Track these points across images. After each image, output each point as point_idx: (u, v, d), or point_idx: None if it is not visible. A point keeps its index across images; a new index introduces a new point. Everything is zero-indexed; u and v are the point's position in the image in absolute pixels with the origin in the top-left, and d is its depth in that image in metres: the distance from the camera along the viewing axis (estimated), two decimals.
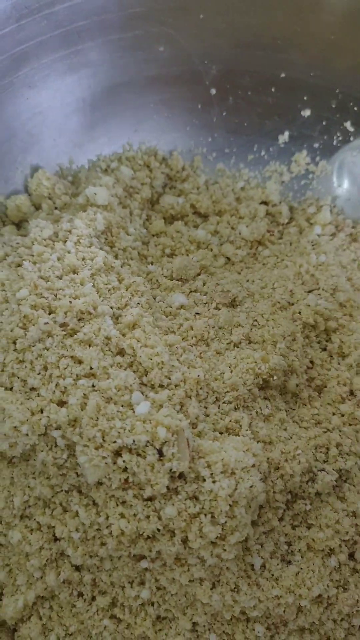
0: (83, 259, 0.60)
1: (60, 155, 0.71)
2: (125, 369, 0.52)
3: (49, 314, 0.54)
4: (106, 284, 0.59)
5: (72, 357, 0.52)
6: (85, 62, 0.67)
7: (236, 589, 0.50)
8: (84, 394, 0.50)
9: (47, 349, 0.52)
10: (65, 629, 0.52)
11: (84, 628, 0.52)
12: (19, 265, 0.60)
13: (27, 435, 0.49)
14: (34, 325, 0.53)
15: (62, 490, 0.51)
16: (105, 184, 0.69)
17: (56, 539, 0.51)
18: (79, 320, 0.55)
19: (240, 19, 0.68)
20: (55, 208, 0.69)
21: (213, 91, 0.72)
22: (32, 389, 0.51)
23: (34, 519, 0.51)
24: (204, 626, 0.51)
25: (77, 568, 0.52)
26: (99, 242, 0.63)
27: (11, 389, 0.52)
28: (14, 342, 0.53)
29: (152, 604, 0.51)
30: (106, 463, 0.47)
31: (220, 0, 0.66)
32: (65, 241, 0.61)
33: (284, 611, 0.50)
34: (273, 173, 0.74)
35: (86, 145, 0.72)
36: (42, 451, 0.50)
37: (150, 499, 0.48)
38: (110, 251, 0.64)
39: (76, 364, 0.52)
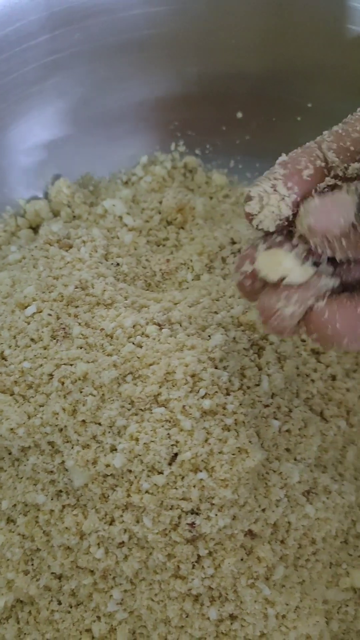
0: (97, 268, 0.60)
1: (83, 164, 0.73)
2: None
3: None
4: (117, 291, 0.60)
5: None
6: (114, 77, 0.68)
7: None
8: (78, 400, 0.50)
9: (46, 349, 0.53)
10: (41, 635, 0.52)
11: (59, 636, 0.52)
12: (34, 267, 0.61)
13: (22, 437, 0.50)
14: (35, 321, 0.54)
15: (48, 497, 0.51)
16: (124, 197, 0.70)
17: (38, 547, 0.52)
18: (86, 324, 0.55)
19: (271, 46, 0.68)
20: (74, 217, 0.70)
21: (239, 114, 0.72)
22: (30, 387, 0.52)
23: (17, 524, 0.52)
24: None
25: (58, 576, 0.52)
26: (115, 252, 0.64)
27: (10, 390, 0.52)
28: (15, 338, 0.54)
29: (127, 621, 0.51)
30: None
31: (252, 26, 0.67)
32: (80, 249, 0.62)
33: None
34: None
35: (109, 156, 0.73)
36: (33, 455, 0.51)
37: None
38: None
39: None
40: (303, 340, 0.65)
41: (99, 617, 0.51)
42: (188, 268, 0.65)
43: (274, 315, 0.41)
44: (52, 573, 0.52)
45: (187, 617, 0.49)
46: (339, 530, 0.54)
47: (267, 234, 0.41)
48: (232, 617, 0.49)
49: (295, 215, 0.40)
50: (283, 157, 0.42)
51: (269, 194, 0.40)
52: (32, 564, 0.52)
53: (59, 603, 0.52)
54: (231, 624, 0.49)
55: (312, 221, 0.37)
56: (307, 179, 0.40)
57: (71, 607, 0.52)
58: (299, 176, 0.40)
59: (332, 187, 0.40)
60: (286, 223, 0.41)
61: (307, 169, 0.41)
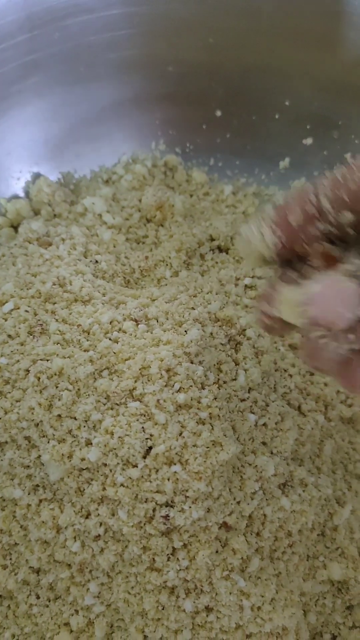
0: (75, 265, 0.61)
1: (64, 163, 0.73)
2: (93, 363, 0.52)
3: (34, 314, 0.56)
4: (95, 288, 0.60)
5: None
6: (94, 76, 0.69)
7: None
8: (53, 395, 0.51)
9: (22, 345, 0.53)
10: (20, 629, 0.53)
11: (38, 630, 0.52)
12: (13, 265, 0.62)
13: None
14: (13, 318, 0.54)
15: (25, 491, 0.51)
16: (104, 195, 0.70)
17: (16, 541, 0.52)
18: (63, 320, 0.56)
19: (250, 45, 0.69)
20: (55, 215, 0.70)
21: (218, 113, 0.73)
22: (7, 383, 0.52)
23: None
24: None
25: (36, 570, 0.52)
26: (94, 249, 0.65)
27: None
28: None
29: (105, 614, 0.51)
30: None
31: (230, 26, 0.67)
32: (59, 246, 0.63)
33: None
34: (271, 197, 0.75)
35: (89, 155, 0.73)
36: (10, 450, 0.51)
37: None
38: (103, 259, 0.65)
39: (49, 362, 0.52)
40: (281, 336, 0.65)
41: (76, 611, 0.52)
42: (167, 265, 0.66)
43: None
44: (30, 567, 0.52)
45: (163, 609, 0.49)
46: (316, 523, 0.54)
47: (281, 274, 0.42)
48: (208, 609, 0.50)
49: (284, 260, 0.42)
50: (279, 200, 0.43)
51: (255, 235, 0.42)
52: (10, 559, 0.52)
53: (37, 597, 0.53)
54: (207, 615, 0.50)
55: (315, 312, 0.35)
56: (293, 225, 0.41)
57: (49, 601, 0.52)
58: (287, 222, 0.41)
59: (325, 236, 0.40)
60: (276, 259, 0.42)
61: (294, 214, 0.41)
